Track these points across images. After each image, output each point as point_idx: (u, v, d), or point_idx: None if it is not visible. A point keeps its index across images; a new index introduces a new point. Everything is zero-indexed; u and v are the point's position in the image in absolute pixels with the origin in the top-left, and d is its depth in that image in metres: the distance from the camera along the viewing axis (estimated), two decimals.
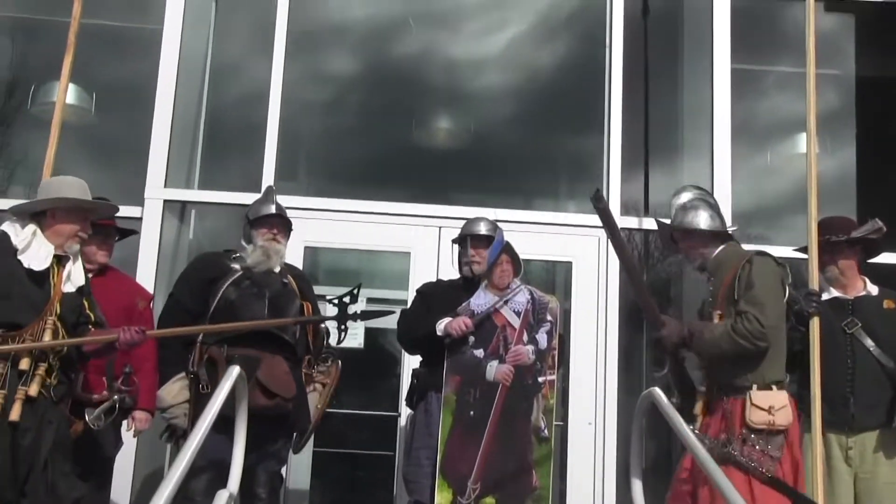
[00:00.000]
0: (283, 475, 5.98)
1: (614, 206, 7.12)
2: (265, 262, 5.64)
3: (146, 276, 6.67)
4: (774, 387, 4.64)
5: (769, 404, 4.55)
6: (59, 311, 4.64)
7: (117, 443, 5.46)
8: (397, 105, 8.09)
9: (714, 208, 5.11)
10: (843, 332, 5.26)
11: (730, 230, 5.11)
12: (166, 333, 5.37)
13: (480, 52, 8.30)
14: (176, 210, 7.32)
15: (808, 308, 5.20)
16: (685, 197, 5.14)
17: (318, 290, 6.20)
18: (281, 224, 5.76)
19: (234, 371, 4.37)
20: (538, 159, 8.22)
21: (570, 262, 7.18)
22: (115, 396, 5.09)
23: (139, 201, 6.89)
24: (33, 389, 4.51)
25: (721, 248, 4.99)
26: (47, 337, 4.56)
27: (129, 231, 5.97)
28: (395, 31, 8.23)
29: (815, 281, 5.37)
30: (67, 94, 6.22)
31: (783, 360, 4.75)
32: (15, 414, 4.45)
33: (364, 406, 7.99)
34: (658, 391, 4.65)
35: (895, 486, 4.94)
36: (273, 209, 5.78)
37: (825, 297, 5.35)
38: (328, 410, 5.99)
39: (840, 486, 5.11)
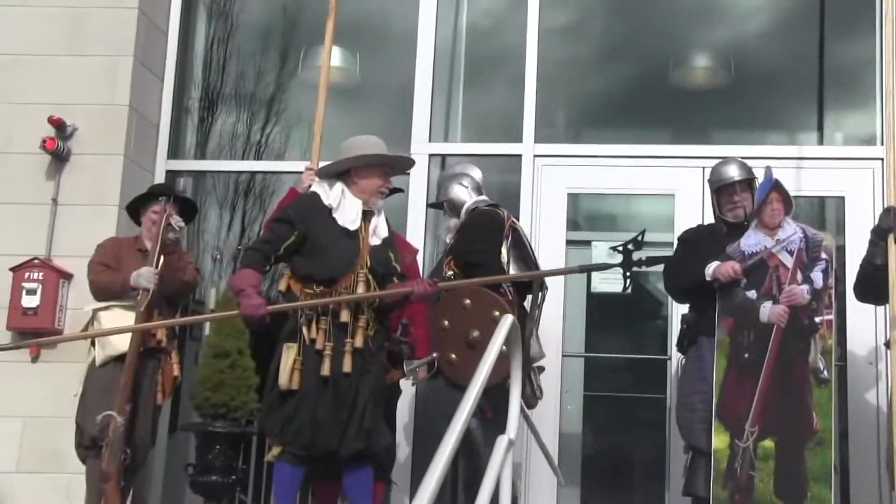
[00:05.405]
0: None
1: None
2: None
3: (416, 230, 6.89)
4: None
5: None
6: (369, 263, 4.88)
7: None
8: (653, 46, 7.94)
9: None
10: None
11: None
12: (453, 285, 5.51)
13: None
14: (440, 163, 7.45)
15: None
16: None
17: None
18: None
19: (507, 321, 4.43)
20: (802, 92, 7.90)
21: (843, 198, 6.92)
22: (435, 355, 5.32)
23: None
24: (358, 341, 4.77)
25: None
26: (360, 289, 4.83)
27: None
28: None
29: None
30: (332, 56, 6.40)
31: None
32: (347, 365, 4.74)
33: (633, 350, 7.98)
34: None
35: None
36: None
37: None
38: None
39: None
